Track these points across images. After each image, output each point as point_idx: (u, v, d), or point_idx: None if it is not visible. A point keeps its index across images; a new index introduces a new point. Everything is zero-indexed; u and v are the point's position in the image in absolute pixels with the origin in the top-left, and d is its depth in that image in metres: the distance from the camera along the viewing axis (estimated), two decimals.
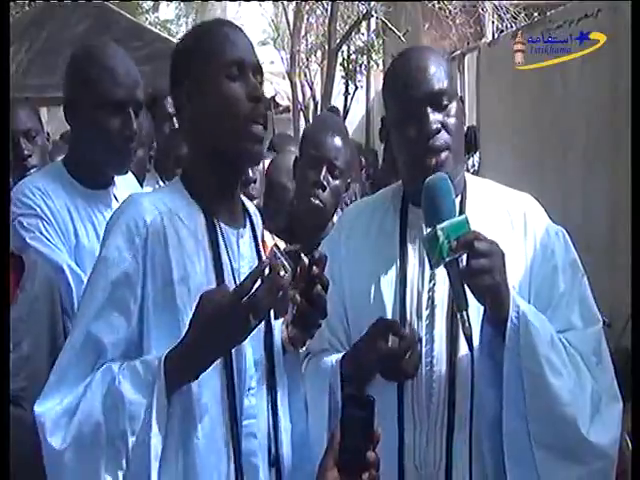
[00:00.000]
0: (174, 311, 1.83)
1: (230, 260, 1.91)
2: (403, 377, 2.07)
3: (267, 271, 1.71)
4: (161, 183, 4.21)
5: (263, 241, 2.81)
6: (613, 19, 5.36)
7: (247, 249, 1.97)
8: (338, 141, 3.00)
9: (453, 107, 2.10)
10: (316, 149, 3.01)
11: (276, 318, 1.99)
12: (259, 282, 1.70)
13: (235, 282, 1.87)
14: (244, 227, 1.99)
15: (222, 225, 1.92)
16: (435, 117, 2.07)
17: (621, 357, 4.28)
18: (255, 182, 2.94)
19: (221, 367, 1.83)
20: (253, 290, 1.69)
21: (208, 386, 1.82)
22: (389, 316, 2.09)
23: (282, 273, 1.93)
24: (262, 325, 1.87)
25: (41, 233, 2.54)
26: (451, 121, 2.09)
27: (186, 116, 1.93)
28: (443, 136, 2.07)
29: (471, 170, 9.68)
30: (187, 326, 1.76)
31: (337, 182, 2.97)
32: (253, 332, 1.73)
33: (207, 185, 1.92)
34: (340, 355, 2.14)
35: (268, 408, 1.95)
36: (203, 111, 1.88)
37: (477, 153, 9.47)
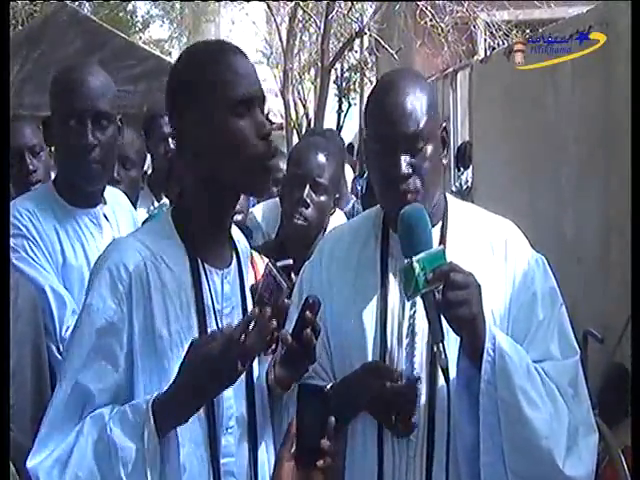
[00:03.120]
0: (158, 355, 1.83)
1: (213, 302, 1.89)
2: (398, 429, 2.04)
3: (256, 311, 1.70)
4: (156, 203, 4.23)
5: (253, 264, 2.81)
6: (604, 35, 5.39)
7: (231, 289, 1.96)
8: (322, 158, 3.03)
9: (429, 149, 2.04)
10: (299, 167, 3.04)
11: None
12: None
13: (217, 324, 1.87)
14: (229, 266, 1.97)
15: (207, 266, 1.90)
16: (407, 161, 2.02)
17: (613, 372, 4.29)
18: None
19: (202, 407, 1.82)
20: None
21: (188, 426, 1.79)
22: (370, 344, 2.08)
23: (284, 286, 1.93)
24: None
25: (27, 253, 2.55)
26: (424, 165, 2.03)
27: (189, 145, 1.87)
28: (413, 181, 2.02)
29: (464, 186, 9.71)
30: (175, 370, 1.75)
31: (322, 198, 3.00)
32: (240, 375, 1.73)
33: (199, 223, 1.90)
34: (328, 387, 2.11)
35: (249, 447, 1.93)
36: (210, 145, 1.84)
37: (470, 169, 9.49)
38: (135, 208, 3.23)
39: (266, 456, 1.97)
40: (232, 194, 1.92)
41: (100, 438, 1.74)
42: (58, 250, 2.60)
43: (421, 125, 2.03)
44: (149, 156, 4.53)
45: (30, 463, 1.76)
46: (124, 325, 1.81)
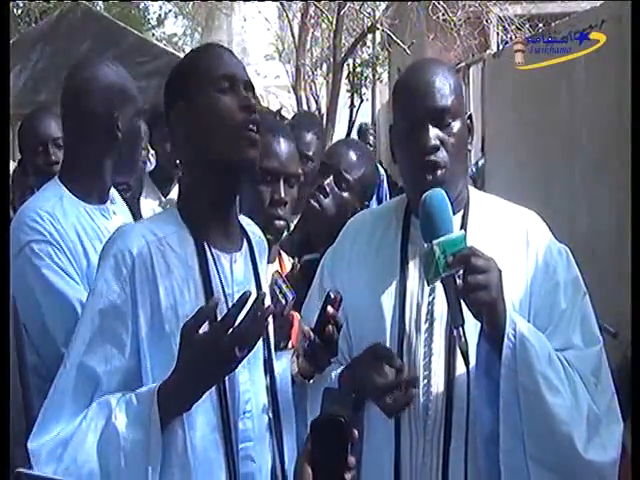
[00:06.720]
0: (165, 339, 1.84)
1: (223, 286, 1.91)
2: (391, 410, 2.05)
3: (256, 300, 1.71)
4: (163, 199, 4.26)
5: (281, 260, 2.79)
6: (618, 29, 5.37)
7: (242, 273, 1.97)
8: (353, 155, 3.03)
9: (456, 126, 2.10)
10: (328, 158, 3.07)
11: (278, 348, 2.00)
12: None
13: (228, 308, 1.88)
14: (239, 250, 1.98)
15: (214, 250, 1.92)
16: (435, 134, 2.06)
17: (627, 367, 4.27)
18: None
19: (214, 391, 1.84)
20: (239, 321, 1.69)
21: (201, 410, 1.82)
22: (388, 329, 2.09)
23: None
24: (264, 351, 1.90)
25: (52, 260, 2.49)
26: (451, 140, 2.08)
27: (180, 135, 1.94)
28: (441, 154, 2.06)
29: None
30: (176, 357, 1.77)
31: (345, 194, 2.97)
32: (242, 362, 1.74)
33: (201, 207, 1.93)
34: (339, 370, 2.14)
35: (272, 434, 1.95)
36: (196, 126, 1.91)
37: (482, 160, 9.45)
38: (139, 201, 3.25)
39: (289, 446, 1.98)
40: (223, 171, 1.92)
41: (106, 425, 1.75)
42: (80, 251, 2.55)
43: (449, 101, 2.09)
44: (153, 152, 4.57)
45: (32, 444, 1.76)
46: (128, 309, 1.83)
